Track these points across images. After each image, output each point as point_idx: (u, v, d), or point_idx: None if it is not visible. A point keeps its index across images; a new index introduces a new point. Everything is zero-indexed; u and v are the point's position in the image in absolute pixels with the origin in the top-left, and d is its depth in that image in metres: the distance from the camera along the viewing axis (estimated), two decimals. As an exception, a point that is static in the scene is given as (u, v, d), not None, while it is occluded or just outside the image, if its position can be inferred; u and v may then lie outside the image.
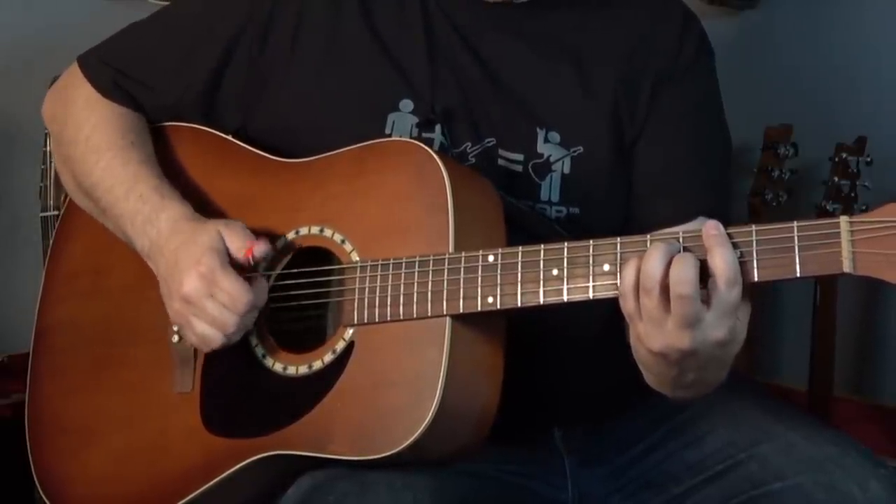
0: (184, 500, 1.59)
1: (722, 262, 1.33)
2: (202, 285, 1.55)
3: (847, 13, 2.79)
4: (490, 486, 1.59)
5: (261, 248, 1.56)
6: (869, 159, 2.53)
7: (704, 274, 1.34)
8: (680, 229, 1.40)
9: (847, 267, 1.28)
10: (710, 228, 1.35)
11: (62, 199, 2.51)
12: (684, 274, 1.33)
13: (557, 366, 1.44)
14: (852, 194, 2.53)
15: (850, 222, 1.29)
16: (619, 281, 1.38)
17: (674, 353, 1.37)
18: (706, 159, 1.71)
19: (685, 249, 1.36)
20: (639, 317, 1.37)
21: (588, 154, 1.66)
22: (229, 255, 1.57)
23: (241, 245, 1.56)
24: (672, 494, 1.58)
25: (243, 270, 1.57)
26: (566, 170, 1.65)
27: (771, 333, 2.85)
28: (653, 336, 1.37)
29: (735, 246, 1.34)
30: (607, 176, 1.67)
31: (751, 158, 2.68)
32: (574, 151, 1.66)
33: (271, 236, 1.61)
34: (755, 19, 2.94)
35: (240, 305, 1.54)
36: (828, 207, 2.53)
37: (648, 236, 1.38)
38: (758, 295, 2.63)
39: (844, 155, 2.54)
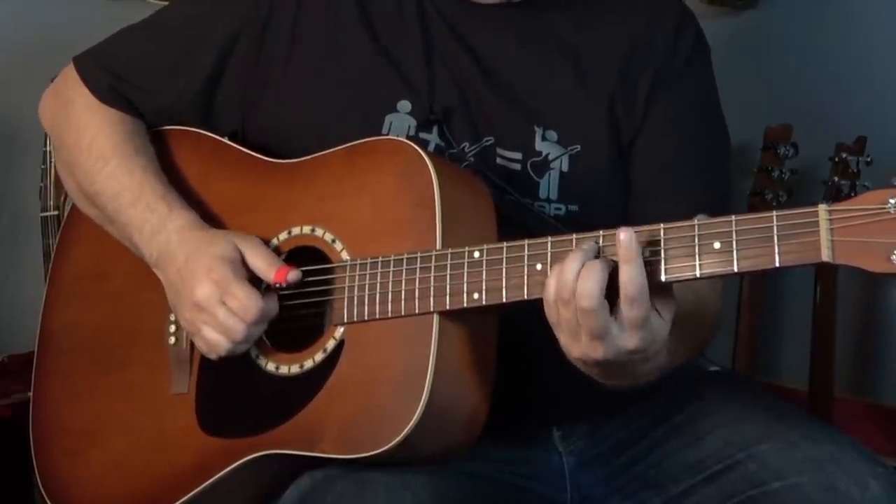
0: (181, 501, 1.59)
1: (625, 279, 1.33)
2: (215, 292, 1.55)
3: (847, 13, 2.79)
4: (489, 486, 1.59)
5: (294, 275, 1.55)
6: (869, 159, 2.53)
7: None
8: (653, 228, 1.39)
9: (826, 255, 1.28)
10: (621, 239, 1.33)
11: (62, 199, 2.52)
12: (587, 288, 1.33)
13: (555, 365, 1.44)
14: (852, 194, 2.53)
15: (829, 210, 1.28)
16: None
17: (590, 361, 1.39)
18: (704, 157, 1.71)
19: (604, 251, 1.36)
20: (559, 327, 1.39)
21: (586, 152, 1.66)
22: (247, 269, 1.57)
23: (268, 265, 1.56)
24: (671, 494, 1.58)
25: (256, 282, 1.57)
26: (564, 168, 1.66)
27: (771, 333, 2.85)
28: (570, 346, 1.39)
29: (716, 237, 1.33)
30: (605, 174, 1.67)
31: (751, 158, 2.68)
32: (572, 149, 1.66)
33: (264, 237, 1.61)
34: (755, 19, 2.94)
35: (250, 314, 1.54)
36: (828, 207, 2.52)
37: (628, 228, 1.37)
38: (758, 294, 2.66)
39: (844, 155, 2.54)
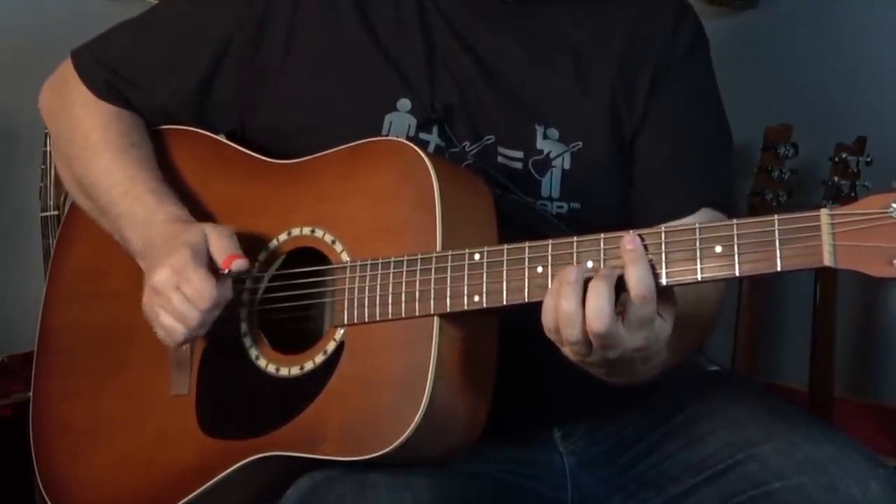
0: (182, 502, 1.59)
1: (634, 279, 1.34)
2: (171, 277, 1.56)
3: (848, 13, 2.79)
4: (490, 486, 1.59)
5: (239, 263, 1.56)
6: (869, 159, 2.53)
7: (621, 283, 1.35)
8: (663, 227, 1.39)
9: (828, 260, 1.28)
10: (627, 243, 1.35)
11: (62, 198, 2.52)
12: (597, 311, 1.33)
13: (556, 366, 1.44)
14: (852, 194, 2.53)
15: (831, 215, 1.28)
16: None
17: (595, 362, 1.40)
18: (706, 152, 1.71)
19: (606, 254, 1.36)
20: (561, 344, 1.39)
21: (587, 149, 1.66)
22: (210, 257, 1.57)
23: (225, 251, 1.57)
24: (672, 494, 1.58)
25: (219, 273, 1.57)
26: (566, 166, 1.65)
27: (771, 333, 2.85)
28: (578, 358, 1.40)
29: (717, 241, 1.33)
30: (607, 171, 1.67)
31: (751, 158, 2.68)
32: (573, 147, 1.66)
33: (264, 238, 1.61)
34: (756, 19, 2.94)
35: (203, 301, 1.54)
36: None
37: (631, 232, 1.38)
38: (758, 295, 2.66)
39: (844, 155, 2.54)
